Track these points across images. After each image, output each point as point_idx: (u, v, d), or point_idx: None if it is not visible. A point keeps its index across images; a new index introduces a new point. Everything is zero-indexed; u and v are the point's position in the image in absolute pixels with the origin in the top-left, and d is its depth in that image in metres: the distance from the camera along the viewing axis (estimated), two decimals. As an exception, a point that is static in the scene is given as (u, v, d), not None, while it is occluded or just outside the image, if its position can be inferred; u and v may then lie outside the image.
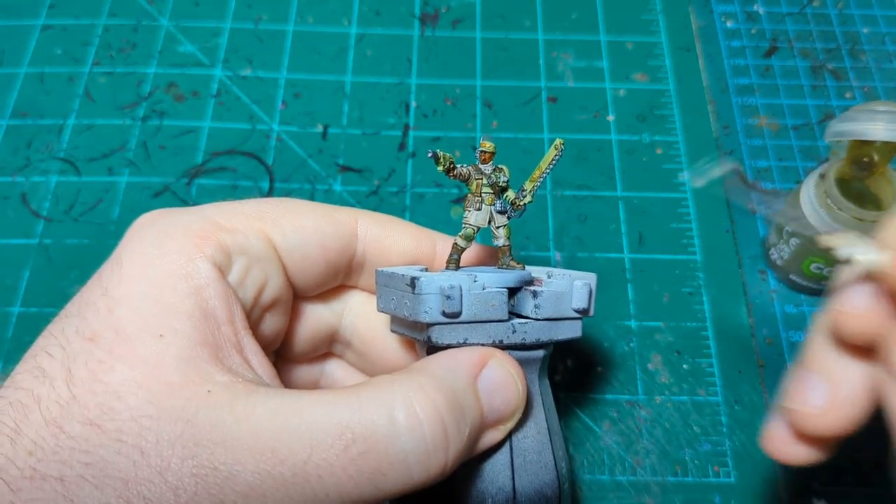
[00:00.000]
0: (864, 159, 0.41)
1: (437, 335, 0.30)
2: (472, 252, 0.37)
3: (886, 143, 0.40)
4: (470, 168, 0.33)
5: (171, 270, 0.28)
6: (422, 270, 0.32)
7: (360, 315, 0.37)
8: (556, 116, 0.55)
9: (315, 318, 0.36)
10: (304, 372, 0.38)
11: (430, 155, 0.31)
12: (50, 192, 0.51)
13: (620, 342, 0.46)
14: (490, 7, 0.61)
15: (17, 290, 0.47)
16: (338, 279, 0.35)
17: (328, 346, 0.38)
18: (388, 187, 0.52)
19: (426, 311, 0.29)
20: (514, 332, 0.31)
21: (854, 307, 0.25)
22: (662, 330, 0.47)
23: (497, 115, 0.55)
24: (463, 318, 0.30)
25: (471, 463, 0.30)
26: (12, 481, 0.24)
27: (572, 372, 0.45)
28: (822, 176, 0.42)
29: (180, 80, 0.56)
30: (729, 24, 0.60)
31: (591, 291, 0.32)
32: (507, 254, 0.33)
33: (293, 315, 0.35)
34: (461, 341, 0.30)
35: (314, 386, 0.38)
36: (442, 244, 0.36)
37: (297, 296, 0.35)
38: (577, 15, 0.61)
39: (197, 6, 0.60)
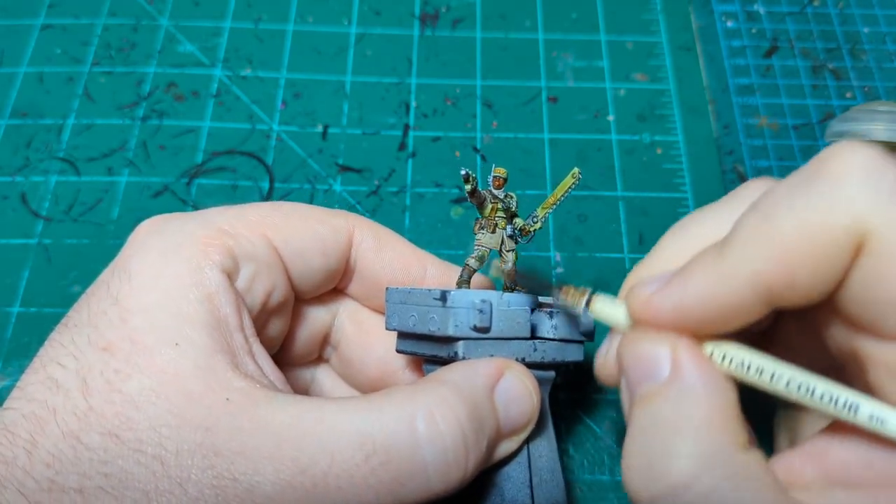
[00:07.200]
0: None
1: (466, 350, 0.30)
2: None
3: (887, 143, 0.40)
4: (486, 193, 0.34)
5: (181, 279, 0.28)
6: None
7: (350, 317, 0.37)
8: (556, 116, 0.55)
9: (312, 318, 0.36)
10: (296, 376, 0.38)
11: (463, 173, 0.31)
12: (49, 191, 0.51)
13: (620, 342, 0.46)
14: (490, 7, 0.61)
15: (17, 290, 0.47)
16: (334, 282, 0.35)
17: (321, 350, 0.38)
18: (388, 187, 0.52)
19: (457, 325, 0.29)
20: (535, 350, 0.31)
21: (598, 356, 0.29)
22: (663, 330, 0.46)
23: (497, 115, 0.55)
24: (492, 333, 0.30)
25: (491, 479, 0.30)
26: (30, 494, 0.24)
27: (572, 372, 0.45)
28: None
29: (180, 79, 0.56)
30: (729, 23, 0.60)
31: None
32: (512, 277, 0.34)
33: (292, 317, 0.35)
34: (487, 357, 0.30)
35: (305, 391, 0.38)
36: (432, 268, 0.36)
37: (297, 298, 0.35)
38: (577, 15, 0.61)
39: (197, 6, 0.60)
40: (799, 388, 0.23)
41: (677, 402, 0.23)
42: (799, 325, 0.28)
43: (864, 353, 0.23)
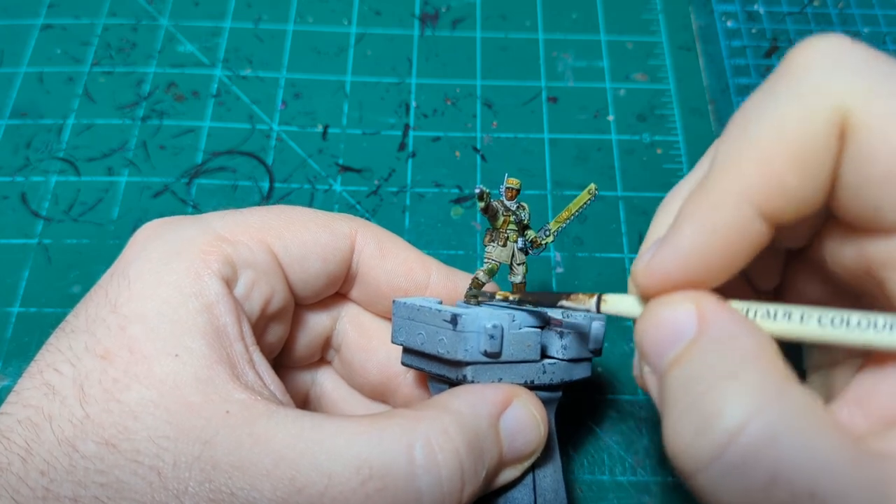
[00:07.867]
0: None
1: (475, 374, 0.29)
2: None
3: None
4: (498, 204, 0.33)
5: (181, 287, 0.28)
6: (438, 303, 0.32)
7: (352, 322, 0.37)
8: (556, 116, 0.55)
9: (313, 323, 0.36)
10: (297, 378, 0.38)
11: (477, 191, 0.31)
12: (49, 191, 0.51)
13: (620, 342, 0.46)
14: (490, 7, 0.61)
15: (17, 290, 0.47)
16: (336, 287, 0.35)
17: (323, 352, 0.38)
18: (388, 187, 0.52)
19: (467, 350, 0.29)
20: (544, 372, 0.31)
21: (635, 367, 0.28)
22: (662, 330, 0.46)
23: (497, 115, 0.55)
24: (502, 358, 0.29)
25: (496, 501, 0.30)
26: (24, 501, 0.24)
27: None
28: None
29: (180, 79, 0.56)
30: (729, 23, 0.60)
31: (604, 332, 0.33)
32: (522, 290, 0.34)
33: (292, 321, 0.35)
34: (496, 381, 0.30)
35: (306, 393, 0.38)
36: (436, 275, 0.35)
37: (297, 303, 0.35)
38: (577, 15, 0.61)
39: (197, 6, 0.60)
40: (832, 321, 0.21)
41: (714, 349, 0.21)
42: (808, 271, 0.27)
43: (877, 260, 0.21)
